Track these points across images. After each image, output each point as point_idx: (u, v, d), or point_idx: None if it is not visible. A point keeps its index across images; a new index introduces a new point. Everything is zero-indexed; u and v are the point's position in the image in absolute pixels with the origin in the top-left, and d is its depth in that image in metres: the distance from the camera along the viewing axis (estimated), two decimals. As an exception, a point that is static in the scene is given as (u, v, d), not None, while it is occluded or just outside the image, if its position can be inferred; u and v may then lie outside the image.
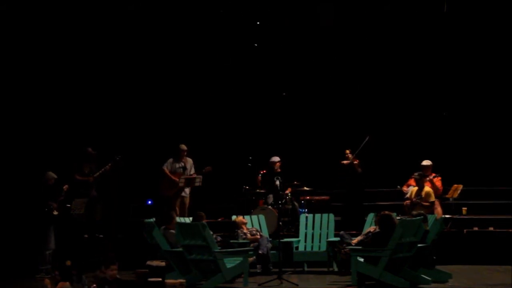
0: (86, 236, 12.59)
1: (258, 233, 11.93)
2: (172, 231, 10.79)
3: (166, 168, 13.35)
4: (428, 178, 12.87)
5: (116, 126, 15.16)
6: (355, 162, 13.59)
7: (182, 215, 12.76)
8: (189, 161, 13.53)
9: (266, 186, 13.55)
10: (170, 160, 13.42)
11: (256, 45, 16.03)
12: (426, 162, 13.18)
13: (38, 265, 11.75)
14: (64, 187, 12.13)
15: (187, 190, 13.42)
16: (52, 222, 11.93)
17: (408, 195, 12.93)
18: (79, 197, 12.43)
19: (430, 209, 12.34)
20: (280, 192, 12.63)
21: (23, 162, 13.80)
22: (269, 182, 13.38)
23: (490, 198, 14.29)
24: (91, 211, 12.69)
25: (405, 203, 12.81)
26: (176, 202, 13.26)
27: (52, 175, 12.09)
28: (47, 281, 9.39)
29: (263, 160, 14.06)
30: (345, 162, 13.74)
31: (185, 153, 13.46)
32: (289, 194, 13.43)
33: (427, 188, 12.64)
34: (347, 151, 13.82)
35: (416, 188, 12.74)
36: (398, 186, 13.50)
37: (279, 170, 13.58)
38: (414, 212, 10.80)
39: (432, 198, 12.52)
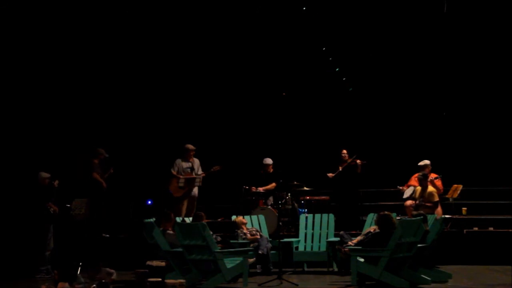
0: (95, 236, 12.66)
1: (258, 233, 11.93)
2: (170, 231, 10.79)
3: (173, 170, 13.36)
4: (428, 179, 12.85)
5: (116, 126, 15.17)
6: (358, 162, 13.58)
7: (190, 215, 12.73)
8: (196, 162, 13.54)
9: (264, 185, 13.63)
10: (177, 161, 13.42)
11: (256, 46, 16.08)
12: (423, 162, 13.15)
13: (38, 266, 11.75)
14: (54, 183, 12.12)
15: (196, 190, 13.44)
16: (51, 223, 11.94)
17: (406, 196, 12.91)
18: (80, 197, 12.44)
19: (434, 209, 12.31)
20: (276, 193, 12.71)
21: (21, 163, 13.80)
22: (265, 183, 13.46)
23: (490, 198, 14.29)
24: (98, 211, 12.77)
25: (406, 203, 12.80)
26: (184, 202, 13.28)
27: (45, 175, 12.11)
28: (43, 287, 9.40)
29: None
30: (330, 175, 13.74)
31: (193, 153, 13.46)
32: (289, 194, 13.43)
33: (430, 188, 12.60)
34: (344, 151, 13.82)
35: (419, 188, 12.72)
36: (398, 186, 13.50)
37: (271, 171, 13.63)
38: (414, 212, 10.80)
39: (435, 198, 12.49)
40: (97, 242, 12.55)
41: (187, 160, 13.43)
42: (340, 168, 13.75)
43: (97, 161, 13.03)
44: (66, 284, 8.96)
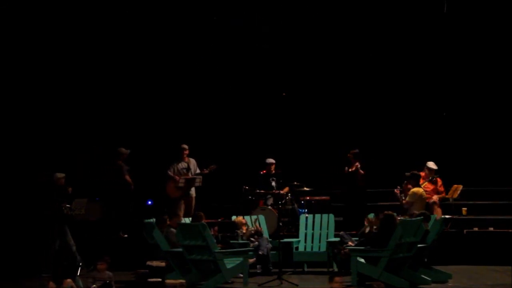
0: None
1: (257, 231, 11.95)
2: (174, 229, 10.80)
3: (170, 171, 13.40)
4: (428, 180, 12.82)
5: (116, 126, 15.18)
6: (358, 167, 13.51)
7: (188, 215, 12.75)
8: (192, 161, 13.57)
9: (264, 186, 13.59)
10: (174, 163, 13.47)
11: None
12: (433, 165, 13.00)
13: (47, 264, 11.69)
14: (69, 189, 12.12)
15: (193, 190, 13.45)
16: (65, 223, 11.89)
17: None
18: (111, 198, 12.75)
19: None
20: (277, 192, 12.68)
21: (25, 164, 13.82)
22: (267, 183, 13.44)
23: (490, 198, 14.27)
24: (124, 212, 13.10)
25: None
26: (182, 203, 13.29)
27: (60, 175, 12.10)
28: None
29: (263, 160, 14.07)
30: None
31: (187, 152, 13.48)
32: (289, 194, 13.43)
33: (413, 189, 12.42)
34: (351, 152, 13.73)
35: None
36: (398, 187, 13.46)
37: (273, 171, 13.63)
38: (416, 212, 10.80)
39: (409, 198, 12.18)
40: (111, 243, 12.57)
41: (182, 161, 13.45)
42: (351, 169, 13.65)
43: (121, 162, 13.10)
44: (54, 285, 8.89)
